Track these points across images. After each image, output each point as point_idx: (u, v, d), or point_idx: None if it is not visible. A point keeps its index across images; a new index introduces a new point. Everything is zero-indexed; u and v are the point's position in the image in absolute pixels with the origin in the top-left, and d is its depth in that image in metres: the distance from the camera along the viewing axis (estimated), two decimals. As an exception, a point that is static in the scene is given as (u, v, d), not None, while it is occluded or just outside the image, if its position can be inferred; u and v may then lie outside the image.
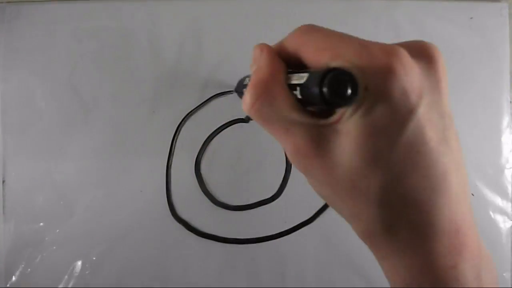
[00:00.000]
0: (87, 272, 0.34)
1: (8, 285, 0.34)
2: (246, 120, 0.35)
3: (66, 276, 0.34)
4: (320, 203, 0.35)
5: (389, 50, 0.17)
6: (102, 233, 0.35)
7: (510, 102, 0.35)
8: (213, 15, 0.36)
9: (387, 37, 0.35)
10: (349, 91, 0.16)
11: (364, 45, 0.17)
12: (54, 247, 0.35)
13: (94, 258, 0.35)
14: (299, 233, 0.34)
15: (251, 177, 0.35)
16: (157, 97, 0.35)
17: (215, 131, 0.35)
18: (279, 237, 0.35)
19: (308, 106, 0.19)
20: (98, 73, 0.35)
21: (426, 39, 0.36)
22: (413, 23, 0.36)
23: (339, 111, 0.17)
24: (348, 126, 0.17)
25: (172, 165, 0.35)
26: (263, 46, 0.22)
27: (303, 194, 0.35)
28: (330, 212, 0.35)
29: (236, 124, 0.35)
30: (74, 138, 0.35)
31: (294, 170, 0.35)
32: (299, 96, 0.18)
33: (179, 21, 0.35)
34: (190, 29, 0.35)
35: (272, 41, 0.35)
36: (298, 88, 0.18)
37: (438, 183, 0.17)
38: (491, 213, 0.35)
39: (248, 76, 0.28)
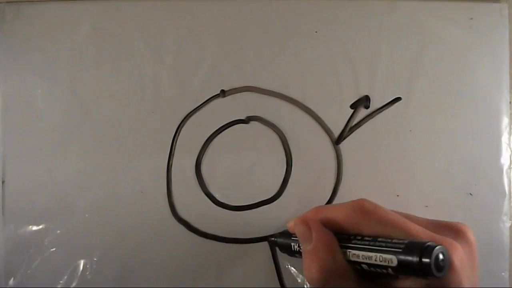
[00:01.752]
0: (87, 273, 0.34)
1: (8, 286, 0.34)
2: (246, 121, 0.35)
3: (66, 277, 0.34)
4: (321, 204, 0.35)
5: (450, 245, 0.20)
6: (103, 233, 0.35)
7: (510, 102, 0.36)
8: (213, 15, 0.35)
9: (387, 37, 0.35)
10: (441, 264, 0.19)
11: (433, 238, 0.21)
12: (54, 248, 0.35)
13: (94, 259, 0.35)
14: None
15: (252, 177, 0.35)
16: (157, 98, 0.35)
17: (215, 131, 0.35)
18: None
19: (370, 277, 0.21)
20: (98, 73, 0.35)
21: (426, 39, 0.37)
22: (413, 24, 0.36)
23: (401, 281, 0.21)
24: None
25: (173, 165, 0.35)
26: (310, 223, 0.24)
27: (303, 195, 0.35)
28: (330, 213, 0.35)
29: (237, 125, 0.35)
30: (74, 138, 0.35)
31: (294, 170, 0.35)
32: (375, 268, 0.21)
33: (179, 21, 0.35)
34: (190, 29, 0.35)
35: (273, 42, 0.35)
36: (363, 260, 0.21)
37: None
38: (490, 213, 0.35)
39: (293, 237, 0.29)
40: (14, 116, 0.35)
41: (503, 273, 0.35)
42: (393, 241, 0.21)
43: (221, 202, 0.35)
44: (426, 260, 0.19)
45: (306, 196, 0.35)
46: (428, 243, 0.19)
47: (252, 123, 0.35)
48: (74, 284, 0.34)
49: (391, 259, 0.20)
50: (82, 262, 0.34)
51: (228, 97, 0.35)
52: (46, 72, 0.35)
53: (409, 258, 0.19)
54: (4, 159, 0.35)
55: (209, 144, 0.35)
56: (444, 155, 0.35)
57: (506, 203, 0.35)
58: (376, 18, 0.36)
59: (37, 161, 0.35)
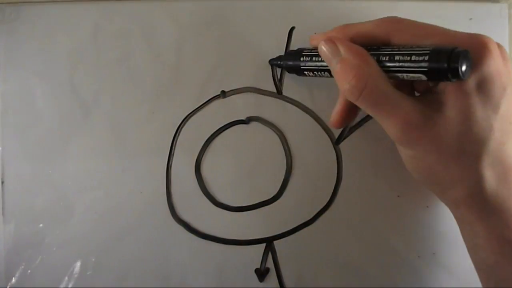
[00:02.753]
0: (87, 273, 0.34)
1: (8, 286, 0.34)
2: (247, 121, 0.35)
3: (66, 277, 0.34)
4: (321, 204, 0.35)
5: (482, 38, 0.21)
6: (102, 234, 0.35)
7: (510, 102, 0.36)
8: (213, 15, 0.35)
9: (387, 38, 0.35)
10: (464, 67, 0.19)
11: (469, 34, 0.21)
12: (54, 248, 0.35)
13: (94, 259, 0.35)
14: (299, 234, 0.34)
15: (252, 178, 0.35)
16: (157, 98, 0.35)
17: (215, 132, 0.35)
18: (280, 238, 0.35)
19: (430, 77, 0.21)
20: (98, 73, 0.35)
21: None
22: (413, 24, 0.36)
23: (442, 86, 0.21)
24: (457, 100, 0.20)
25: (172, 166, 0.35)
26: (335, 39, 0.24)
27: (303, 195, 0.35)
28: (331, 213, 0.35)
29: (237, 125, 0.35)
30: (73, 138, 0.35)
31: (294, 171, 0.35)
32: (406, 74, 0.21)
33: (179, 21, 0.35)
34: (190, 30, 0.35)
35: (274, 42, 0.35)
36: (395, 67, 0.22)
37: None
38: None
39: (307, 53, 0.30)
40: (14, 116, 0.35)
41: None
42: (420, 47, 0.21)
43: (221, 203, 0.35)
44: (454, 65, 0.19)
45: (306, 196, 0.35)
46: (455, 49, 0.20)
47: (252, 123, 0.35)
48: (74, 284, 0.34)
49: (421, 64, 0.20)
50: (81, 262, 0.34)
51: (228, 98, 0.35)
52: (46, 72, 0.35)
53: (437, 64, 0.20)
54: (3, 159, 0.35)
55: (209, 144, 0.35)
56: (444, 155, 0.35)
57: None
58: (376, 18, 0.35)
59: (37, 161, 0.35)
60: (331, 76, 0.27)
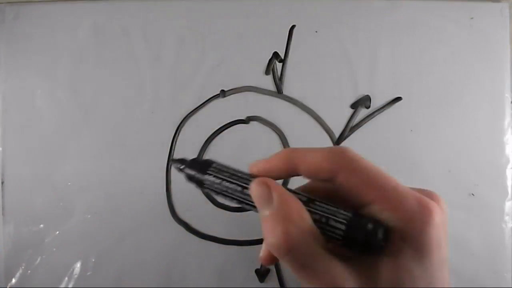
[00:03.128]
0: (87, 274, 0.34)
1: (8, 287, 0.34)
2: (246, 121, 0.35)
3: (66, 278, 0.34)
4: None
5: (433, 207, 0.19)
6: (102, 234, 0.35)
7: (511, 102, 0.35)
8: (213, 15, 0.35)
9: (387, 37, 0.35)
10: (383, 242, 0.18)
11: (419, 199, 0.20)
12: (54, 249, 0.34)
13: (94, 260, 0.34)
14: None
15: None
16: (157, 98, 0.35)
17: (215, 132, 0.35)
18: (280, 238, 0.34)
19: (345, 245, 0.20)
20: (98, 73, 0.35)
21: (426, 39, 0.36)
22: (414, 23, 0.35)
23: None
24: (390, 271, 0.19)
25: (172, 166, 0.35)
26: (271, 185, 0.21)
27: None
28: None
29: (236, 125, 0.35)
30: (73, 139, 0.35)
31: (294, 170, 0.35)
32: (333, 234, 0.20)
33: (179, 22, 0.35)
34: (190, 29, 0.35)
35: (273, 42, 0.35)
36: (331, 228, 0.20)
37: None
38: (492, 213, 0.35)
39: (212, 172, 0.24)
40: (14, 116, 0.35)
41: (505, 274, 0.34)
42: (338, 213, 0.20)
43: (221, 204, 0.35)
44: (371, 238, 0.18)
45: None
46: (372, 222, 0.19)
47: (252, 123, 0.35)
48: (73, 284, 0.34)
49: (339, 231, 0.19)
50: (81, 263, 0.34)
51: (228, 97, 0.35)
52: (46, 72, 0.35)
53: (353, 234, 0.19)
54: (3, 159, 0.35)
55: (209, 144, 0.35)
56: (446, 155, 0.35)
57: (508, 203, 0.35)
58: (376, 17, 0.35)
59: (37, 162, 0.35)
60: (239, 203, 0.24)
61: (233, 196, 0.23)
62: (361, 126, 0.35)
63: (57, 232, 0.35)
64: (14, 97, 0.35)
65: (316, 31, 0.35)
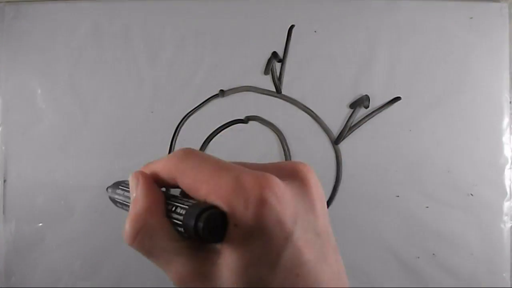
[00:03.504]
0: (87, 273, 0.34)
1: (8, 285, 0.34)
2: (245, 120, 0.35)
3: (66, 276, 0.34)
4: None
5: (260, 181, 0.17)
6: (102, 233, 0.35)
7: (510, 102, 0.35)
8: (213, 15, 0.35)
9: (387, 37, 0.35)
10: (221, 228, 0.17)
11: (237, 178, 0.18)
12: (54, 247, 0.35)
13: (94, 258, 0.35)
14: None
15: (251, 177, 0.35)
16: (156, 98, 0.35)
17: (214, 131, 0.35)
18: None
19: (188, 236, 0.19)
20: (98, 73, 0.35)
21: (426, 39, 0.36)
22: (413, 23, 0.35)
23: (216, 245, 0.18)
24: (226, 258, 0.18)
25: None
26: (139, 175, 0.21)
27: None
28: (330, 213, 0.34)
29: (236, 125, 0.35)
30: (74, 138, 0.35)
31: (293, 170, 0.35)
32: (180, 228, 0.19)
33: (178, 21, 0.35)
34: (190, 29, 0.35)
35: (273, 42, 0.35)
36: (178, 219, 0.19)
37: None
38: (491, 213, 0.35)
39: (122, 186, 0.26)
40: (15, 116, 0.35)
41: (504, 274, 0.34)
42: (186, 202, 0.19)
43: (220, 202, 0.35)
44: (200, 226, 0.17)
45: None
46: (202, 208, 0.17)
47: (251, 123, 0.35)
48: (73, 284, 0.34)
49: (180, 220, 0.19)
50: (81, 262, 0.34)
51: (227, 97, 0.35)
52: (46, 72, 0.35)
53: (187, 222, 0.18)
54: (5, 158, 0.35)
55: (208, 143, 0.35)
56: (444, 155, 0.35)
57: (507, 203, 0.35)
58: (375, 17, 0.35)
59: (38, 161, 0.35)
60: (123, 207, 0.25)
61: (124, 202, 0.24)
62: (360, 126, 0.35)
63: (58, 231, 0.35)
64: (15, 96, 0.35)
65: (315, 31, 0.35)
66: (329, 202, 0.35)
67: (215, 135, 0.35)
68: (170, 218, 0.20)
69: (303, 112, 0.35)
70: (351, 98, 0.35)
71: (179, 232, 0.19)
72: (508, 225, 0.35)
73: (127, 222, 0.20)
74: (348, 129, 0.35)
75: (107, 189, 0.27)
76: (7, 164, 0.35)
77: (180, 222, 0.19)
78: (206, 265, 0.19)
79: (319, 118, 0.35)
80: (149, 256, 0.20)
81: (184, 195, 0.21)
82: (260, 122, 0.35)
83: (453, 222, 0.35)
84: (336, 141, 0.35)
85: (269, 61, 0.35)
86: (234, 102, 0.35)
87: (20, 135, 0.35)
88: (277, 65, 0.35)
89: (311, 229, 0.19)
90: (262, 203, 0.17)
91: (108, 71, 0.35)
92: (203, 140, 0.35)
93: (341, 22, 0.35)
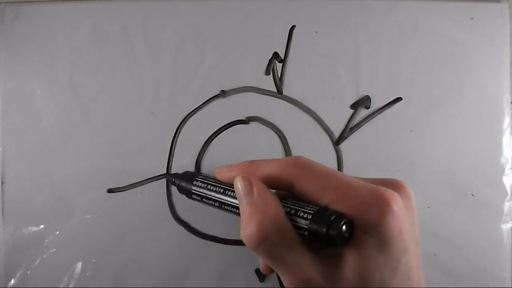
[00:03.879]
0: (87, 274, 0.34)
1: (8, 286, 0.34)
2: (246, 121, 0.35)
3: (66, 278, 0.34)
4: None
5: (390, 196, 0.20)
6: (102, 234, 0.35)
7: (511, 102, 0.35)
8: (213, 15, 0.35)
9: (387, 37, 0.35)
10: (347, 235, 0.19)
11: (373, 192, 0.20)
12: (54, 249, 0.34)
13: (94, 260, 0.34)
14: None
15: (252, 178, 0.35)
16: (157, 98, 0.35)
17: (215, 132, 0.35)
18: (280, 238, 0.35)
19: (312, 239, 0.21)
20: (98, 74, 0.35)
21: (426, 39, 0.36)
22: (414, 24, 0.35)
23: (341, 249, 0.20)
24: (352, 262, 0.20)
25: (172, 166, 0.35)
26: (251, 180, 0.23)
27: (303, 195, 0.35)
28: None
29: (236, 125, 0.35)
30: (73, 139, 0.35)
31: (294, 171, 0.35)
32: (303, 232, 0.20)
33: (178, 21, 0.35)
34: (190, 29, 0.35)
35: (273, 42, 0.35)
36: (300, 223, 0.21)
37: None
38: (492, 213, 0.35)
39: (203, 179, 0.28)
40: (14, 117, 0.35)
41: (505, 274, 0.34)
42: (306, 207, 0.21)
43: (221, 203, 0.35)
44: (332, 232, 0.19)
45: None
46: (335, 215, 0.19)
47: (252, 123, 0.35)
48: (74, 285, 0.34)
49: (305, 224, 0.20)
50: (81, 263, 0.34)
51: (228, 98, 0.35)
52: (46, 72, 0.35)
53: (316, 227, 0.20)
54: (4, 159, 0.35)
55: (209, 144, 0.35)
56: (445, 155, 0.35)
57: (507, 203, 0.35)
58: (376, 17, 0.35)
59: (37, 162, 0.35)
60: (220, 208, 0.26)
61: (216, 199, 0.26)
62: (361, 126, 0.35)
63: (57, 232, 0.35)
64: (14, 97, 0.35)
65: (316, 32, 0.35)
66: (330, 203, 0.35)
67: (216, 136, 0.35)
68: (291, 221, 0.21)
69: (304, 113, 0.35)
70: (352, 99, 0.35)
71: (300, 235, 0.21)
72: (509, 225, 0.35)
73: (253, 226, 0.21)
74: (349, 129, 0.35)
75: (170, 178, 0.32)
76: (5, 166, 0.35)
77: (304, 226, 0.20)
78: (330, 268, 0.21)
79: (320, 118, 0.35)
80: (273, 260, 0.21)
81: (295, 198, 0.22)
82: (261, 123, 0.35)
83: (454, 223, 0.35)
84: (337, 142, 0.35)
85: (270, 62, 0.35)
86: (235, 102, 0.35)
87: (19, 135, 0.35)
88: (278, 66, 0.35)
89: (414, 239, 0.22)
90: (392, 214, 0.19)
91: (108, 71, 0.35)
92: (204, 141, 0.35)
93: (342, 23, 0.35)
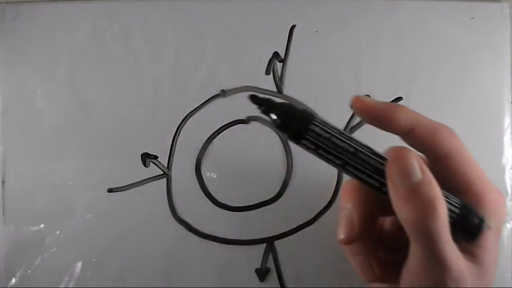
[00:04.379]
0: (87, 273, 0.34)
1: (8, 286, 0.34)
2: (246, 121, 0.35)
3: (66, 277, 0.34)
4: (322, 204, 0.35)
5: (502, 203, 0.23)
6: (103, 234, 0.35)
7: (511, 102, 0.35)
8: (213, 15, 0.35)
9: (388, 37, 0.35)
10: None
11: (500, 193, 0.24)
12: (54, 248, 0.35)
13: (94, 259, 0.34)
14: (300, 234, 0.34)
15: (252, 178, 0.35)
16: (157, 98, 0.35)
17: (215, 132, 0.35)
18: (280, 238, 0.35)
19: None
20: (98, 73, 0.35)
21: (426, 39, 0.37)
22: (414, 23, 0.35)
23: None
24: (490, 252, 0.22)
25: (173, 165, 0.35)
26: (422, 164, 0.21)
27: (304, 195, 0.35)
28: (331, 214, 0.35)
29: (237, 125, 0.35)
30: (74, 138, 0.35)
31: (295, 171, 0.35)
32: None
33: (178, 21, 0.35)
34: (190, 29, 0.35)
35: (273, 42, 0.35)
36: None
37: None
38: (492, 213, 0.35)
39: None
40: (14, 116, 0.35)
41: (505, 274, 0.34)
42: (451, 196, 0.22)
43: (221, 203, 0.35)
44: (479, 222, 0.21)
45: (306, 196, 0.35)
46: (480, 218, 0.21)
47: (252, 123, 0.35)
48: (74, 285, 0.34)
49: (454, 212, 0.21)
50: (82, 263, 0.34)
51: (228, 97, 0.35)
52: (46, 72, 0.35)
53: (465, 223, 0.21)
54: (4, 159, 0.35)
55: (209, 144, 0.35)
56: (445, 155, 0.35)
57: (508, 203, 0.35)
58: (376, 17, 0.35)
59: (37, 161, 0.35)
60: (343, 165, 0.22)
61: (341, 156, 0.21)
62: (361, 126, 0.35)
63: (58, 232, 0.35)
64: (14, 97, 0.35)
65: (316, 31, 0.35)
66: (330, 203, 0.35)
67: (216, 135, 0.35)
68: None
69: (304, 113, 0.35)
70: (352, 99, 0.35)
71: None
72: (509, 225, 0.35)
73: (418, 211, 0.19)
74: (349, 129, 0.35)
75: (259, 105, 0.23)
76: (6, 165, 0.35)
77: (456, 212, 0.21)
78: (473, 255, 0.22)
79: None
80: (433, 249, 0.20)
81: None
82: (261, 122, 0.35)
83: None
84: (337, 142, 0.35)
85: (270, 61, 0.35)
86: (235, 102, 0.35)
87: (19, 135, 0.35)
88: (279, 65, 0.35)
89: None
90: (504, 216, 0.23)
91: (108, 71, 0.35)
92: (204, 140, 0.35)
93: (342, 22, 0.35)
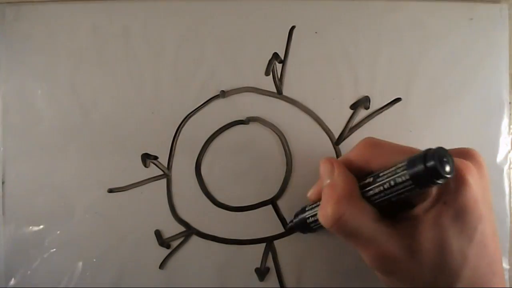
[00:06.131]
0: (87, 274, 0.34)
1: (8, 286, 0.34)
2: (246, 121, 0.35)
3: (66, 278, 0.34)
4: None
5: (465, 166, 0.21)
6: (103, 234, 0.35)
7: (510, 103, 0.35)
8: (213, 16, 0.35)
9: (387, 37, 0.35)
10: (447, 167, 0.19)
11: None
12: (55, 249, 0.35)
13: (94, 260, 0.35)
14: (299, 234, 0.34)
15: (252, 178, 0.35)
16: (157, 98, 0.35)
17: (215, 132, 0.35)
18: (280, 238, 0.35)
19: (386, 207, 0.22)
20: (98, 74, 0.35)
21: (426, 39, 0.37)
22: (414, 24, 0.36)
23: (419, 215, 0.21)
24: (428, 233, 0.21)
25: (173, 166, 0.35)
26: (333, 161, 0.25)
27: (304, 195, 0.35)
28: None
29: (237, 126, 0.35)
30: (74, 138, 0.35)
31: (295, 171, 0.35)
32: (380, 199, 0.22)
33: (179, 22, 0.35)
34: (190, 30, 0.35)
35: (273, 43, 0.35)
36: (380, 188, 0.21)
37: (496, 266, 0.22)
38: (490, 213, 0.35)
39: (307, 208, 0.30)
40: (14, 117, 0.35)
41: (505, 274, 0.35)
42: (397, 164, 0.21)
43: (221, 203, 0.35)
44: (431, 163, 0.19)
45: (306, 197, 0.35)
46: (426, 150, 0.20)
47: (252, 123, 0.35)
48: (74, 285, 0.34)
49: (403, 176, 0.20)
50: (82, 263, 0.34)
51: (228, 98, 0.35)
52: (46, 73, 0.35)
53: (416, 169, 0.20)
54: (4, 159, 0.35)
55: (209, 144, 0.35)
56: (444, 155, 0.35)
57: (506, 203, 0.35)
58: (376, 18, 0.36)
59: (37, 162, 0.35)
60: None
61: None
62: (360, 126, 0.35)
63: (58, 232, 0.35)
64: (14, 97, 0.35)
65: (316, 32, 0.35)
66: (329, 203, 0.35)
67: (216, 136, 0.35)
68: (366, 198, 0.22)
69: (304, 113, 0.35)
70: (351, 99, 0.35)
71: (376, 205, 0.22)
72: (508, 225, 0.35)
73: (328, 206, 0.22)
74: (348, 130, 0.35)
75: (289, 226, 0.34)
76: (6, 165, 0.35)
77: (406, 178, 0.20)
78: (407, 240, 0.21)
79: (320, 119, 0.35)
80: (349, 237, 0.22)
81: (375, 176, 0.23)
82: (261, 123, 0.35)
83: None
84: (336, 142, 0.35)
85: (270, 62, 0.35)
86: (235, 102, 0.35)
87: (19, 135, 0.35)
88: (278, 66, 0.35)
89: (488, 206, 0.22)
90: (467, 185, 0.20)
91: (108, 71, 0.35)
92: (204, 141, 0.35)
93: (342, 23, 0.35)
